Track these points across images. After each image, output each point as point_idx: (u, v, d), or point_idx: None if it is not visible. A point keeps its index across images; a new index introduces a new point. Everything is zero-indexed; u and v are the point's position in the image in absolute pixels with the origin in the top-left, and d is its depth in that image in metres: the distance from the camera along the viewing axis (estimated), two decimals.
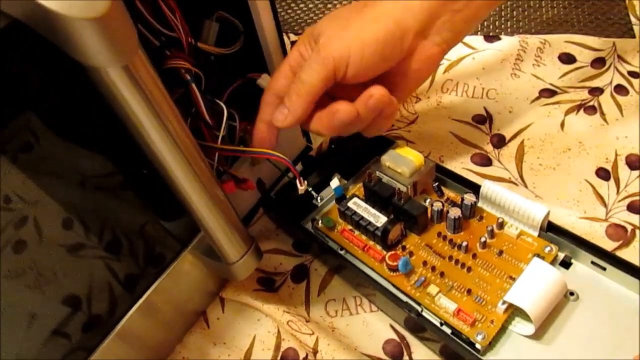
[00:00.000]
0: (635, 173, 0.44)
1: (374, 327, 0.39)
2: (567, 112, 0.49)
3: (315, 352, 0.37)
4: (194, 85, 0.36)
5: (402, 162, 0.40)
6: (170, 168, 0.27)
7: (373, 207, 0.39)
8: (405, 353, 0.37)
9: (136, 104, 0.23)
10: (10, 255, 0.31)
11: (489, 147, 0.48)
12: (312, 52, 0.35)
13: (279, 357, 0.39)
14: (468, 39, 0.57)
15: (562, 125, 0.48)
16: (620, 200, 0.42)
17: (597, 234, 0.39)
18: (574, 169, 0.45)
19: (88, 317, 0.35)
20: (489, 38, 0.56)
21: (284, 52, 0.42)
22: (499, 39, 0.56)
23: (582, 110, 0.49)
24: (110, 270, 0.37)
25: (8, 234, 0.31)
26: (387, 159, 0.40)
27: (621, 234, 0.39)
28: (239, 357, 0.39)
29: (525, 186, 0.45)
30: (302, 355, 0.39)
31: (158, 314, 0.38)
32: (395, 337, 0.38)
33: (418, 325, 0.35)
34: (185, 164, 0.27)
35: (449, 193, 0.42)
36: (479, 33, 0.58)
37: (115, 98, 0.22)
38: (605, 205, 0.42)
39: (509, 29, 0.58)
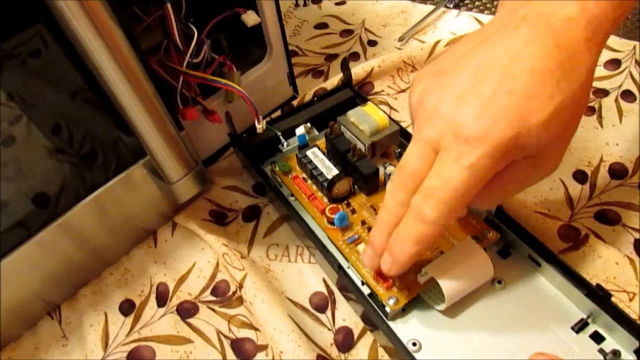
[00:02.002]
0: (615, 182, 0.42)
1: (307, 277, 0.39)
2: None
3: (240, 287, 0.38)
4: (169, 6, 0.36)
5: (366, 120, 0.39)
6: (101, 68, 0.28)
7: (330, 160, 0.39)
8: (329, 308, 0.38)
9: None
10: None
11: None
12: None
13: (211, 286, 0.40)
14: (483, 17, 0.55)
15: None
16: (589, 207, 0.40)
17: (548, 231, 0.37)
18: None
19: (51, 212, 0.37)
20: None
21: None
22: None
23: None
24: (79, 175, 0.38)
25: (2, 128, 0.33)
26: (352, 115, 0.40)
27: (573, 236, 0.37)
28: (174, 278, 0.41)
29: None
30: (232, 289, 0.40)
31: (107, 216, 0.39)
32: (324, 291, 0.38)
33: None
34: (117, 66, 0.28)
35: None
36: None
37: None
38: (572, 208, 0.40)
39: None
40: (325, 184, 0.37)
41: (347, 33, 0.58)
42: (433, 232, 0.27)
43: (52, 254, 0.37)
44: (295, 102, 0.49)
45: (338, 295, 0.38)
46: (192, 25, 0.37)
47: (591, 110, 0.46)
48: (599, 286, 0.31)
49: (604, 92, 0.47)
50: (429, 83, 0.28)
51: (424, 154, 0.27)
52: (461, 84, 0.26)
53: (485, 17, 0.55)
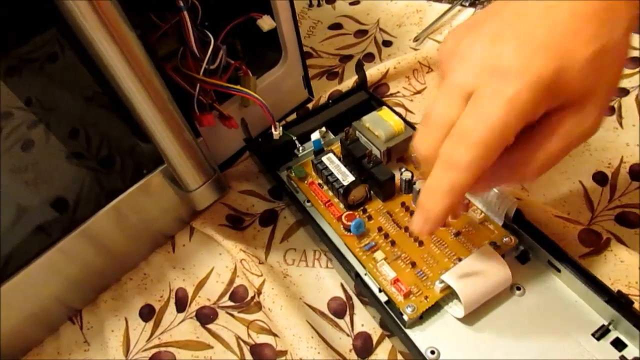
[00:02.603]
0: (636, 184, 0.41)
1: (325, 282, 0.39)
2: None
3: (259, 293, 0.38)
4: (185, 13, 0.36)
5: (381, 125, 0.39)
6: (116, 75, 0.28)
7: (346, 166, 0.39)
8: (347, 313, 0.38)
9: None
10: (18, 151, 0.34)
11: None
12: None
13: (230, 292, 0.40)
14: None
15: None
16: (609, 209, 0.40)
17: (569, 236, 0.37)
18: (571, 167, 0.42)
19: (69, 217, 0.38)
20: None
21: None
22: None
23: None
24: (96, 179, 0.39)
25: (21, 132, 0.33)
26: (367, 120, 0.40)
27: (594, 240, 0.37)
28: (192, 283, 0.41)
29: None
30: (250, 294, 0.40)
31: (126, 223, 0.40)
32: (342, 296, 0.38)
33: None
34: (132, 73, 0.28)
35: None
36: None
37: None
38: (592, 210, 0.40)
39: None
40: (341, 190, 0.37)
41: (361, 33, 0.58)
42: (466, 179, 0.25)
43: (73, 260, 0.38)
44: (310, 105, 0.49)
45: (356, 300, 0.38)
46: (208, 32, 0.38)
47: (611, 110, 0.45)
48: (620, 293, 0.31)
49: (624, 91, 0.46)
50: (461, 33, 0.26)
51: (454, 100, 0.25)
52: (498, 26, 0.24)
53: None
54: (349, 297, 0.38)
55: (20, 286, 0.35)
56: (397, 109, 0.48)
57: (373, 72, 0.50)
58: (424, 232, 0.28)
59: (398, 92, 0.50)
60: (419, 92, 0.50)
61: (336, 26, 0.60)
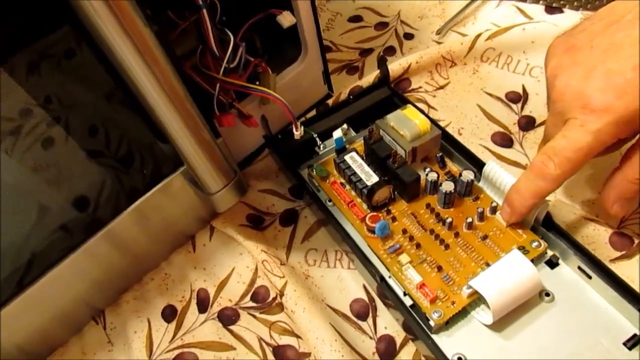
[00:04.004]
0: None
1: (347, 283, 0.39)
2: None
3: (281, 294, 0.38)
4: (204, 11, 0.36)
5: (406, 124, 0.38)
6: (132, 72, 0.27)
7: (369, 165, 0.39)
8: (370, 315, 0.37)
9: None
10: (38, 149, 0.33)
11: (514, 128, 0.45)
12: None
13: (251, 292, 0.40)
14: (526, 7, 0.52)
15: None
16: (639, 212, 0.38)
17: (599, 239, 0.36)
18: (600, 169, 0.41)
19: (90, 218, 0.37)
20: (551, 9, 0.51)
21: None
22: (562, 11, 0.51)
23: None
24: (117, 178, 0.39)
25: (40, 130, 0.33)
26: (392, 119, 0.39)
27: (626, 244, 0.36)
28: (214, 284, 0.41)
29: None
30: (272, 295, 0.39)
31: (147, 224, 0.39)
32: (365, 297, 0.38)
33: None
34: (151, 75, 0.27)
35: (452, 167, 0.40)
36: (540, 2, 0.52)
37: None
38: None
39: (575, 2, 0.52)
40: (365, 191, 0.37)
41: (382, 26, 0.57)
42: (551, 187, 0.31)
43: (97, 261, 0.38)
44: (330, 101, 0.48)
45: (379, 302, 0.38)
46: (228, 31, 0.37)
47: None
48: None
49: None
50: (562, 59, 0.32)
51: (557, 122, 0.32)
52: (592, 61, 0.30)
53: (528, 6, 0.52)
54: (371, 299, 0.38)
55: (47, 288, 0.35)
56: (419, 104, 0.47)
57: (395, 66, 0.49)
58: (510, 222, 0.35)
59: (420, 87, 0.49)
60: (441, 88, 0.49)
61: (356, 18, 0.58)
